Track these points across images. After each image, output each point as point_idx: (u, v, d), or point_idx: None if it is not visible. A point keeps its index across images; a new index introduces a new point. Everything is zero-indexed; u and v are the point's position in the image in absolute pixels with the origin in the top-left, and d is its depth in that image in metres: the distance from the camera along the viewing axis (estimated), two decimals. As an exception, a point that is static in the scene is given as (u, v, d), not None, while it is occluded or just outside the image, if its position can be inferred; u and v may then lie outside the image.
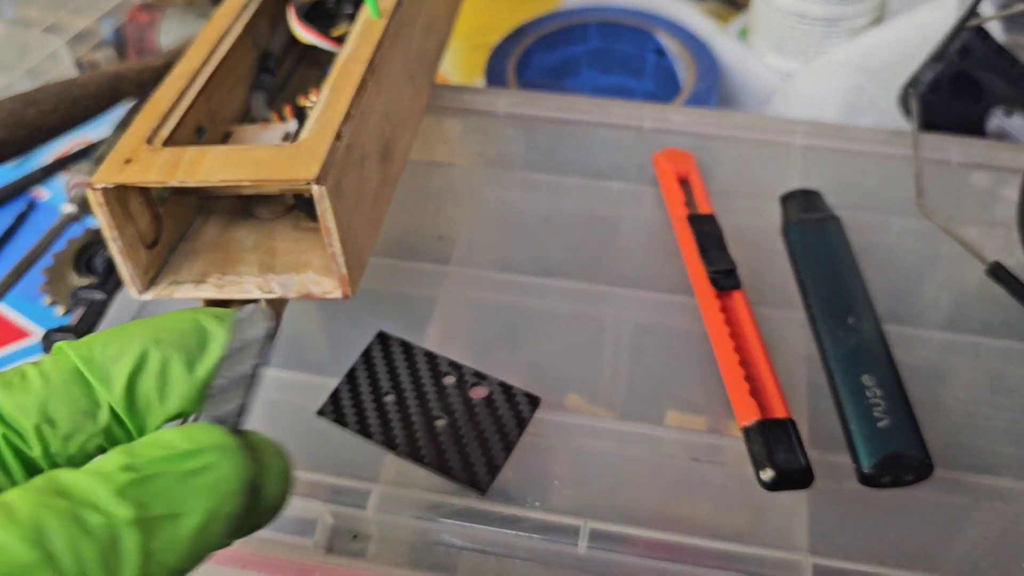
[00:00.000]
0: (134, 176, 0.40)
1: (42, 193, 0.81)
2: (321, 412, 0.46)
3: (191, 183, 0.40)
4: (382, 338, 0.48)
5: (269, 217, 0.48)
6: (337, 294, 0.42)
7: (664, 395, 0.48)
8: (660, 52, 0.76)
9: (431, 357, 0.47)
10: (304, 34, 0.53)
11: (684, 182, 0.56)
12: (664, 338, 0.50)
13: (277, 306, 0.45)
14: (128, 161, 0.41)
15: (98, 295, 0.54)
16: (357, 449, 0.44)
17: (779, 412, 0.42)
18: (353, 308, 0.51)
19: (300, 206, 0.47)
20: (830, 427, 0.45)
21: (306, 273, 0.44)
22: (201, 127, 0.49)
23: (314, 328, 0.52)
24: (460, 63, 0.83)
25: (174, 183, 0.40)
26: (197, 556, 0.20)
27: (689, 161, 0.57)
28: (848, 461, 0.43)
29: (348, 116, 0.43)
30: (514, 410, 0.45)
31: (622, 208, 0.57)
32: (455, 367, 0.47)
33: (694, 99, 0.71)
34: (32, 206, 0.79)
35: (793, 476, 0.40)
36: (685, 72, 0.75)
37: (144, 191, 0.44)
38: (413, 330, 0.49)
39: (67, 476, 0.20)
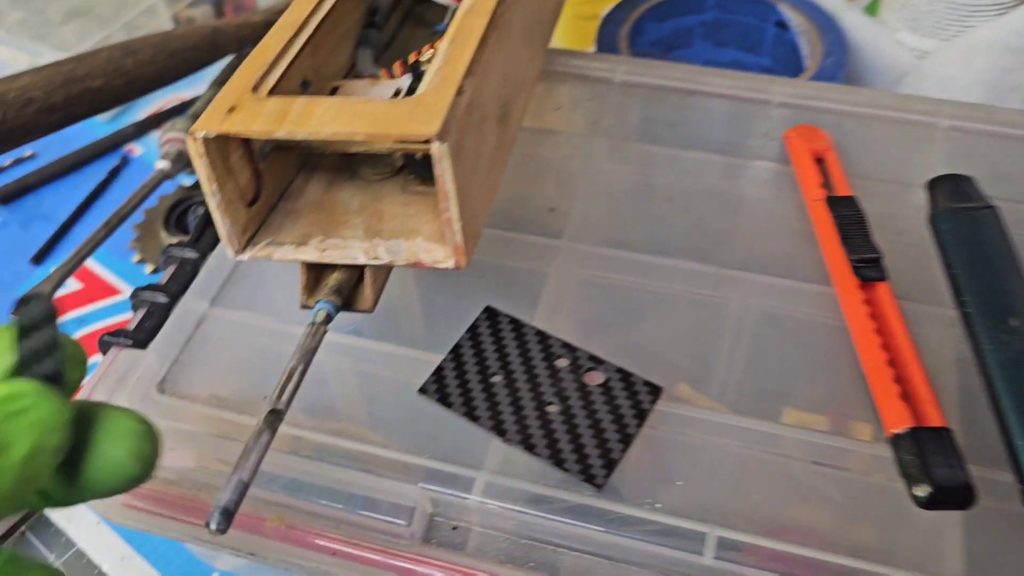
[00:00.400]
0: (239, 125, 0.37)
1: (135, 149, 0.80)
2: (423, 390, 0.42)
3: (300, 135, 0.37)
4: (490, 313, 0.45)
5: (375, 178, 0.45)
6: (449, 263, 0.39)
7: (783, 391, 0.44)
8: (782, 25, 0.71)
9: (543, 337, 0.44)
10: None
11: (819, 161, 0.51)
12: (792, 329, 0.46)
13: (379, 274, 0.42)
14: (232, 109, 0.39)
15: (189, 253, 0.51)
16: (461, 432, 0.41)
17: (934, 420, 0.38)
18: (457, 280, 0.48)
19: (411, 166, 0.44)
20: (988, 440, 0.40)
21: (415, 240, 0.40)
22: (307, 80, 0.46)
23: (414, 299, 0.49)
24: (568, 32, 0.79)
25: (281, 135, 0.37)
26: (26, 483, 0.24)
27: (824, 139, 0.52)
28: (1011, 480, 0.38)
29: (470, 71, 0.39)
30: (633, 399, 0.41)
31: (748, 186, 0.53)
32: (568, 349, 0.43)
33: (820, 76, 0.66)
34: (125, 162, 0.78)
35: (953, 494, 0.35)
36: (809, 47, 0.69)
37: (246, 144, 0.41)
38: (522, 306, 0.46)
39: None
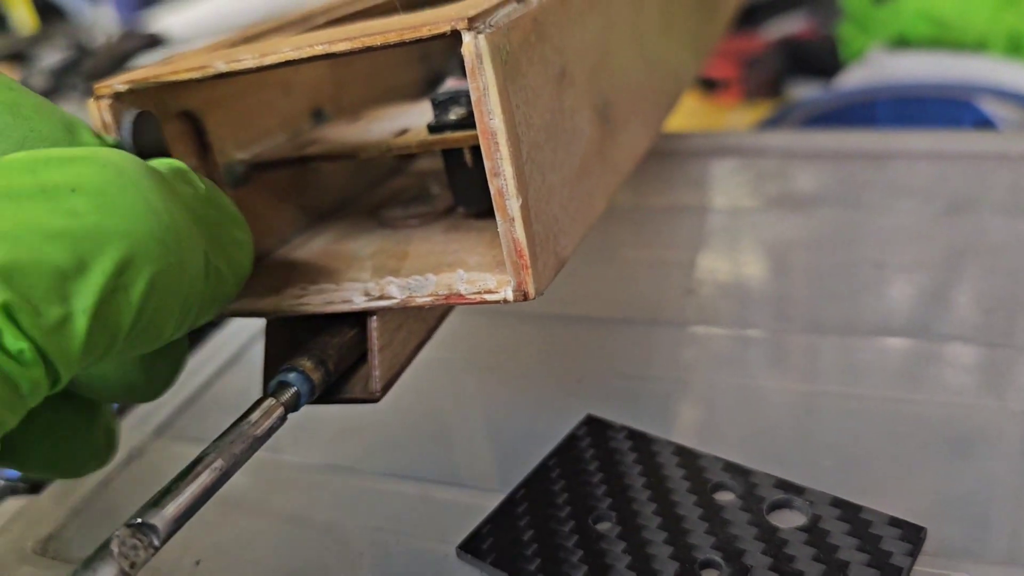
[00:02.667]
0: (162, 69, 0.23)
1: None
2: (468, 547, 0.23)
3: (248, 61, 0.22)
4: (594, 426, 0.26)
5: (409, 223, 0.29)
6: (505, 292, 0.22)
7: None
8: (984, 123, 0.54)
9: (689, 457, 0.24)
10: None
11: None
12: None
13: (394, 340, 0.25)
14: (167, 61, 0.24)
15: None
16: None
17: None
18: (542, 377, 0.30)
19: (461, 194, 0.28)
20: None
21: (453, 272, 0.23)
22: (320, 109, 0.32)
23: (463, 400, 0.31)
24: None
25: (220, 64, 0.22)
26: None
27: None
28: None
29: (539, -12, 0.24)
30: (869, 550, 0.21)
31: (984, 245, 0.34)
32: (737, 473, 0.24)
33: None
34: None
35: None
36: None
37: (200, 145, 0.26)
38: (648, 416, 0.27)
39: None
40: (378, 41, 0.21)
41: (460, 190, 0.28)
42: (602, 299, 0.34)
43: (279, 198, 0.30)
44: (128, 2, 1.22)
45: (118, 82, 0.23)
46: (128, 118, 0.24)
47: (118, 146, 0.23)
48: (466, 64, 0.20)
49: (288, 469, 0.29)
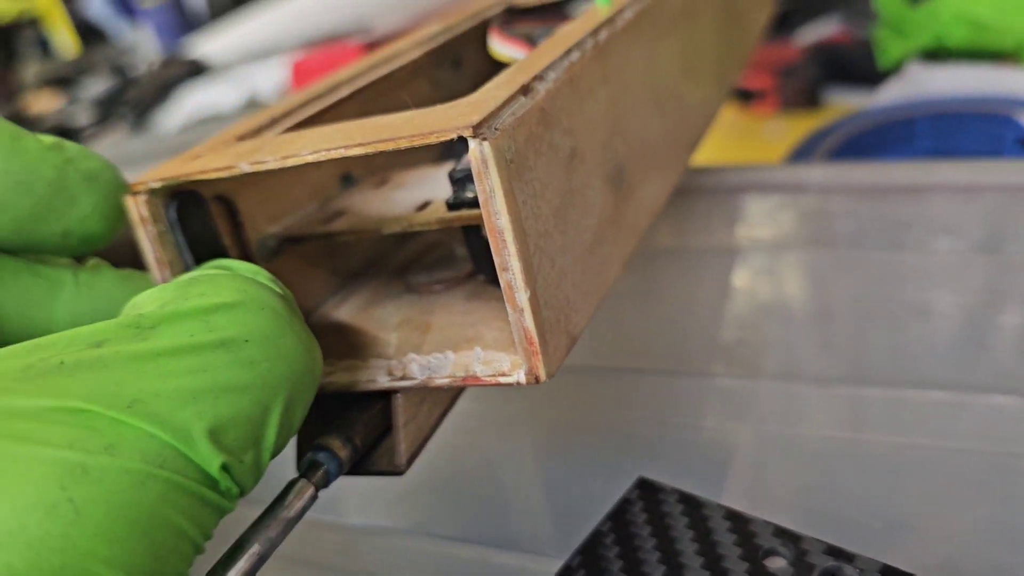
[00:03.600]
0: (195, 166, 0.24)
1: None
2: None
3: (272, 163, 0.23)
4: (646, 489, 0.27)
5: (433, 288, 0.30)
6: (518, 375, 0.23)
7: None
8: (1027, 143, 0.53)
9: (740, 521, 0.25)
10: (503, 48, 0.37)
11: None
12: None
13: (418, 414, 0.26)
14: (197, 156, 0.26)
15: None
16: None
17: None
18: (589, 439, 0.31)
19: (480, 263, 0.29)
20: None
21: (471, 349, 0.24)
22: (348, 175, 0.34)
23: (522, 465, 0.32)
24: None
25: (245, 166, 0.23)
26: None
27: None
28: None
29: (546, 74, 0.25)
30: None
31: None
32: (788, 539, 0.24)
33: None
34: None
35: None
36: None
37: (234, 225, 0.28)
38: (699, 478, 0.28)
39: None
40: (390, 147, 0.22)
41: (479, 260, 0.29)
42: (643, 349, 0.35)
43: (311, 264, 0.32)
44: (168, 25, 1.25)
45: (152, 179, 0.25)
46: (172, 209, 0.25)
47: (167, 233, 0.25)
48: (472, 168, 0.21)
49: (350, 532, 0.30)
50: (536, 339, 0.22)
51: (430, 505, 0.30)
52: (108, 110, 0.87)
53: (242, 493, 0.19)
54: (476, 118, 0.21)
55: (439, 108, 0.23)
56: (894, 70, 0.70)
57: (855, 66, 0.76)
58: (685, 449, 0.30)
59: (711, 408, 0.32)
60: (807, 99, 0.75)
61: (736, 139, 0.71)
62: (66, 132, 0.88)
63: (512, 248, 0.21)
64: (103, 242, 0.24)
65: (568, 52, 0.27)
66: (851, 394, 0.30)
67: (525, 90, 0.24)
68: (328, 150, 0.22)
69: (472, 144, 0.21)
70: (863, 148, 0.56)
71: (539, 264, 0.23)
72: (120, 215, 0.24)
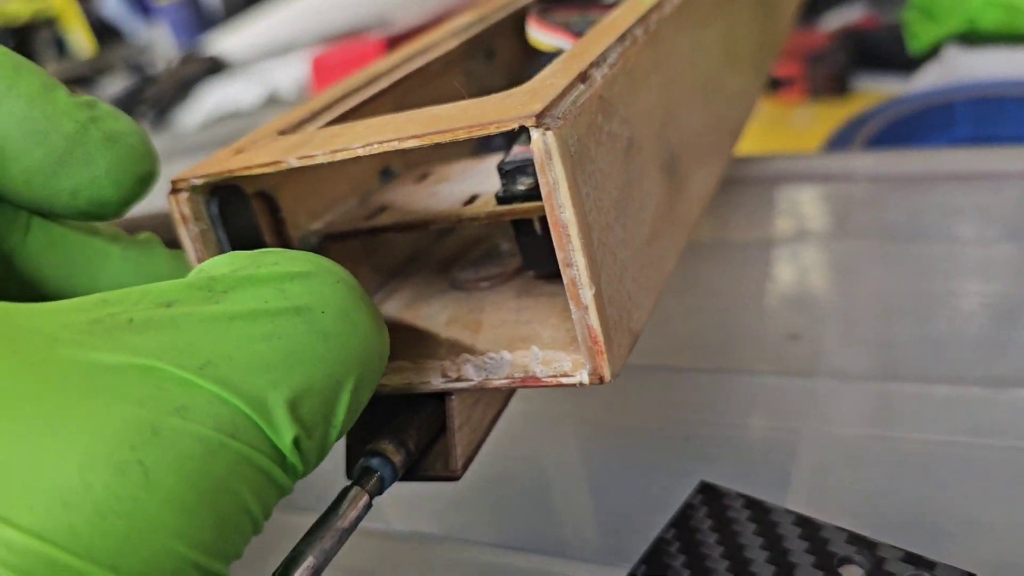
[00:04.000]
0: (239, 163, 0.24)
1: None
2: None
3: (320, 157, 0.22)
4: (709, 494, 0.26)
5: (480, 285, 0.29)
6: (581, 376, 0.22)
7: None
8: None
9: (810, 528, 0.24)
10: (544, 36, 0.36)
11: None
12: None
13: (472, 417, 0.25)
14: (240, 151, 0.25)
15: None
16: None
17: None
18: (646, 440, 0.30)
19: (531, 259, 0.28)
20: None
21: (528, 349, 0.23)
22: (388, 168, 0.33)
23: (564, 471, 0.31)
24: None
25: (293, 160, 0.22)
26: None
27: None
28: None
29: (601, 61, 0.24)
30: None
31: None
32: (863, 546, 0.23)
33: None
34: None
35: None
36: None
37: (275, 222, 0.27)
38: (763, 481, 0.27)
39: None
40: (447, 138, 0.21)
41: (530, 255, 0.28)
42: (689, 346, 0.34)
43: (353, 262, 0.31)
44: (184, 23, 1.24)
45: (194, 176, 0.24)
46: (214, 205, 0.24)
47: (209, 231, 0.24)
48: (535, 160, 0.20)
49: (398, 540, 0.29)
50: (601, 337, 0.21)
51: (478, 511, 0.29)
52: (127, 109, 0.86)
53: (304, 473, 0.18)
54: (538, 107, 0.20)
55: (494, 98, 0.22)
56: (926, 55, 0.68)
57: (884, 52, 0.74)
58: (740, 450, 0.29)
59: (764, 407, 0.31)
60: (836, 86, 0.74)
61: (765, 128, 0.70)
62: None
63: (577, 243, 0.21)
64: (113, 209, 0.22)
65: (622, 38, 0.26)
66: (915, 391, 0.29)
67: (583, 77, 0.23)
68: (380, 143, 0.22)
69: (535, 134, 0.20)
70: (901, 135, 0.54)
71: (603, 259, 0.22)
72: (137, 185, 0.22)
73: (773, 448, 0.29)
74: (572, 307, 0.21)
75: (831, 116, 0.67)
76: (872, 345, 0.32)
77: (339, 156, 0.22)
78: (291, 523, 0.31)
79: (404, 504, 0.29)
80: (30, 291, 0.22)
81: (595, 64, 0.24)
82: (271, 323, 0.17)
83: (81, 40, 1.37)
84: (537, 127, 0.20)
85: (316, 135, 0.24)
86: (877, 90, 0.71)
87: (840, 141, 0.53)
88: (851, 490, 0.27)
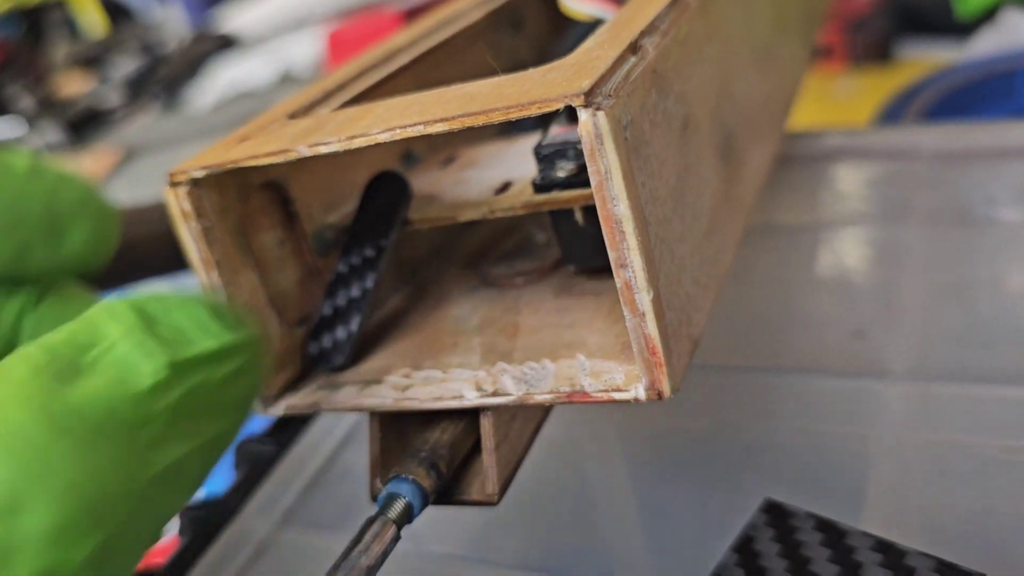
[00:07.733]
0: (243, 152, 0.21)
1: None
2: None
3: (334, 144, 0.19)
4: (775, 514, 0.23)
5: (514, 282, 0.26)
6: (636, 391, 0.19)
7: None
8: None
9: (891, 553, 0.22)
10: (580, 4, 0.33)
11: None
12: None
13: (509, 435, 0.22)
14: (244, 139, 0.22)
15: (265, 446, 0.34)
16: None
17: None
18: (702, 453, 0.27)
19: (571, 252, 0.25)
20: None
21: (574, 357, 0.21)
22: (411, 153, 0.30)
23: (626, 484, 0.28)
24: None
25: (303, 149, 0.20)
26: None
27: None
28: None
29: (653, 29, 0.21)
30: None
31: None
32: (948, 571, 0.21)
33: None
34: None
35: None
36: None
37: (286, 217, 0.24)
38: (834, 498, 0.24)
39: None
40: (480, 121, 0.18)
41: (570, 249, 0.25)
42: (750, 343, 0.31)
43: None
44: (196, 1, 1.21)
45: (193, 167, 0.21)
46: None
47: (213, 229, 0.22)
48: (583, 144, 0.17)
49: (433, 561, 0.27)
50: (660, 348, 0.19)
51: (516, 532, 0.27)
52: (139, 89, 0.84)
53: None
54: (586, 83, 0.17)
55: (532, 73, 0.20)
56: (977, 19, 0.64)
57: (930, 17, 0.70)
58: (806, 461, 0.26)
59: (829, 411, 0.28)
60: (879, 53, 0.70)
61: (805, 99, 0.66)
62: (97, 114, 0.85)
63: (633, 240, 0.18)
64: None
65: (672, 3, 0.23)
66: (1001, 395, 0.26)
67: (634, 48, 0.20)
68: (403, 128, 0.19)
69: (584, 115, 0.17)
70: (958, 106, 0.51)
71: (661, 258, 0.19)
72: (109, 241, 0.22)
73: (843, 459, 0.26)
74: (627, 313, 0.18)
75: (875, 87, 0.63)
76: (948, 341, 0.29)
77: (356, 143, 0.19)
78: (311, 545, 0.29)
79: (435, 523, 0.26)
80: None
81: (646, 33, 0.21)
82: None
83: (93, 20, 1.35)
84: (586, 106, 0.17)
85: (330, 119, 0.22)
86: (923, 58, 0.67)
87: (891, 114, 0.50)
88: (936, 507, 0.24)
